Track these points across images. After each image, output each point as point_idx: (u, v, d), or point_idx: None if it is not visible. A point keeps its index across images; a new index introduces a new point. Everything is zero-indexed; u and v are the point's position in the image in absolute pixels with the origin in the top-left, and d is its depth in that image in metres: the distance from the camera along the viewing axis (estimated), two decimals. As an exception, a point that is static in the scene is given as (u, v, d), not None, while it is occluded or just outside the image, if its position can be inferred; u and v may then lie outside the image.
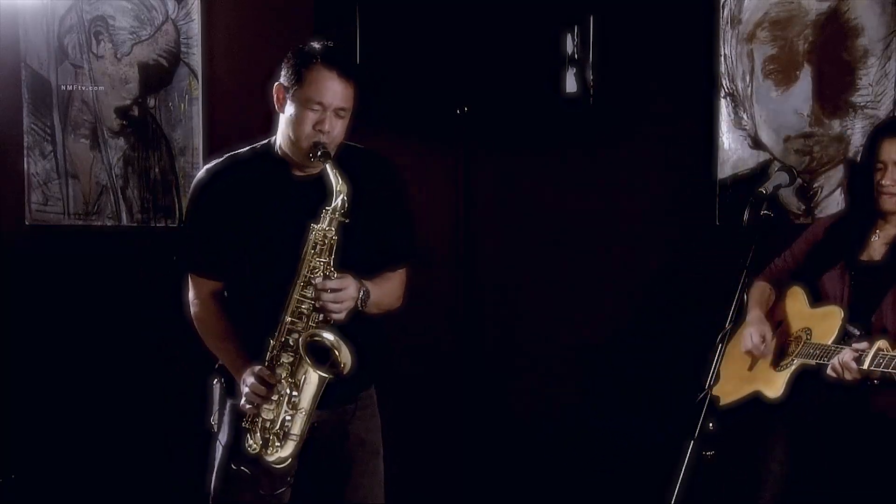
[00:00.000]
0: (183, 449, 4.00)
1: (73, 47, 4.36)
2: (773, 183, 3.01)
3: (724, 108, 3.96)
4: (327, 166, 2.72)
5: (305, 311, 2.75)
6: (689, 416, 2.63)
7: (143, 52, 4.33)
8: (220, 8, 4.28)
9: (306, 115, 2.73)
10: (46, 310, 4.44)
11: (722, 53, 3.95)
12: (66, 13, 4.35)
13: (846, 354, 2.93)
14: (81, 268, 4.42)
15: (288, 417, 2.74)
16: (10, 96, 4.41)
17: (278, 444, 2.77)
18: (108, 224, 4.41)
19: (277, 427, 2.75)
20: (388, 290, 2.93)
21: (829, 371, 2.97)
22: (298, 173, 2.85)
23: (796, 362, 3.15)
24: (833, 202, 3.92)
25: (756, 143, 3.96)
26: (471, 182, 4.11)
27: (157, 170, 4.36)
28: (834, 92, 3.90)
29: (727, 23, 3.94)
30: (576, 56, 3.82)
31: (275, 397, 2.74)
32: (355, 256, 2.80)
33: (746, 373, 3.33)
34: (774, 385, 3.16)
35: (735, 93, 3.96)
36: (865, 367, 2.86)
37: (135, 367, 4.37)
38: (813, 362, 3.08)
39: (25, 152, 4.42)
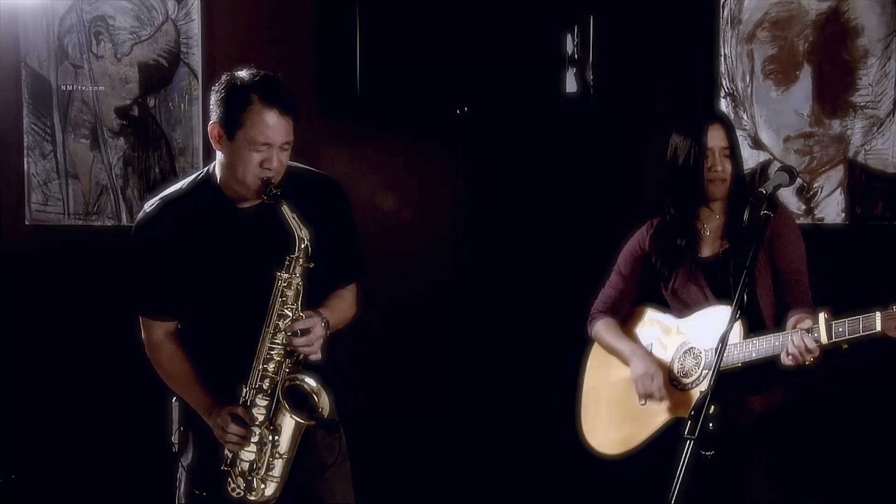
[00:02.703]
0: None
1: (73, 47, 4.35)
2: (773, 183, 2.99)
3: (724, 108, 3.96)
4: (285, 211, 2.70)
5: (277, 356, 2.75)
6: (689, 417, 2.62)
7: (143, 52, 4.33)
8: (220, 8, 4.28)
9: (252, 156, 2.70)
10: (46, 310, 4.43)
11: (722, 53, 3.95)
12: (66, 13, 4.35)
13: (797, 337, 2.91)
14: (81, 268, 4.41)
15: (271, 462, 2.76)
16: (10, 96, 4.40)
17: (263, 486, 2.78)
18: (108, 224, 4.41)
19: (263, 472, 2.76)
20: (343, 310, 2.94)
21: (786, 360, 2.93)
22: (242, 205, 2.83)
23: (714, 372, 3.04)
24: (833, 202, 3.93)
25: (756, 143, 3.96)
26: (471, 182, 4.11)
27: (157, 170, 4.36)
28: (834, 92, 3.90)
29: (727, 23, 3.95)
30: (576, 56, 3.82)
31: (255, 439, 2.75)
32: (308, 282, 2.78)
33: (639, 409, 3.27)
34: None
35: (735, 93, 3.96)
36: (825, 341, 2.85)
37: (135, 368, 4.36)
38: (738, 364, 3.02)
39: (25, 152, 4.42)
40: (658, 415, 3.21)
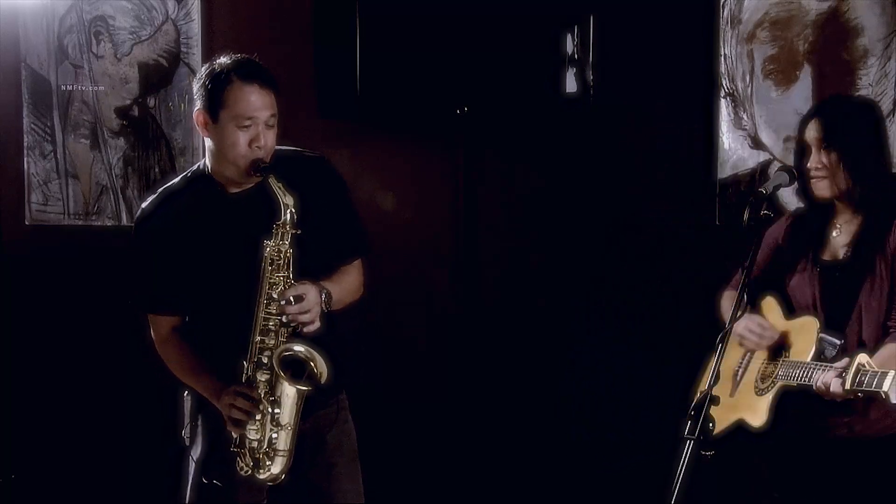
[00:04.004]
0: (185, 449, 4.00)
1: (73, 47, 4.35)
2: (773, 183, 2.93)
3: (724, 108, 3.96)
4: (270, 181, 2.72)
5: (273, 327, 2.75)
6: (689, 417, 2.62)
7: (143, 52, 4.33)
8: (220, 8, 4.29)
9: (239, 135, 2.72)
10: (46, 310, 4.43)
11: (722, 53, 3.95)
12: (66, 13, 4.35)
13: (828, 374, 2.72)
14: (81, 268, 4.41)
15: (274, 435, 2.75)
16: (10, 96, 4.41)
17: (269, 462, 2.77)
18: (108, 224, 4.41)
19: (266, 446, 2.76)
20: (346, 285, 2.93)
21: (814, 391, 2.76)
22: (234, 190, 2.85)
23: (777, 385, 2.91)
24: (833, 202, 3.92)
25: (756, 143, 3.96)
26: (471, 182, 4.11)
27: (157, 170, 4.36)
28: (834, 92, 3.89)
29: (727, 23, 3.94)
30: (576, 56, 3.82)
31: (258, 416, 2.75)
32: (309, 261, 2.79)
33: (728, 399, 3.08)
34: (758, 412, 2.92)
35: (735, 93, 3.96)
36: (848, 387, 2.64)
37: (135, 368, 4.36)
38: (794, 384, 2.85)
39: (25, 152, 4.42)
40: (734, 412, 3.04)
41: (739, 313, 2.75)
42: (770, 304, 3.14)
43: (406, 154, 4.23)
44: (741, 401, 3.08)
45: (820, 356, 2.85)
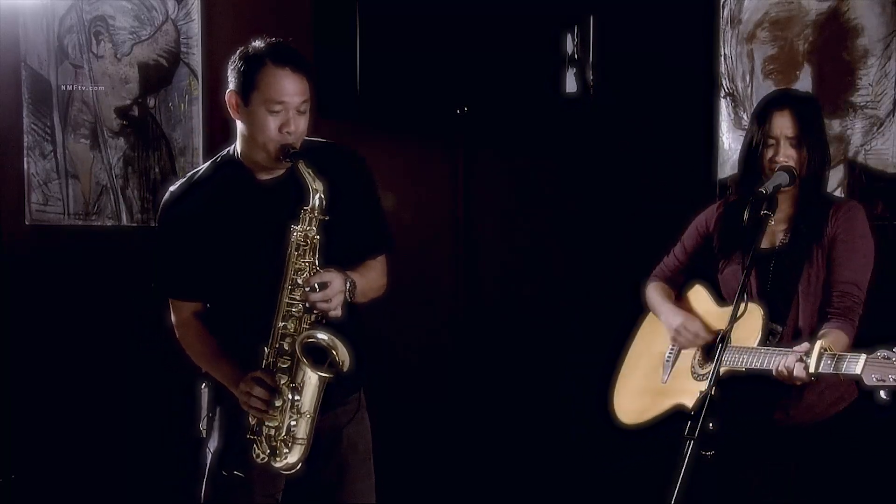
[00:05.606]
0: (185, 448, 3.99)
1: (73, 47, 4.36)
2: (773, 183, 2.94)
3: (724, 108, 3.96)
4: (300, 166, 2.70)
5: (296, 313, 2.73)
6: (689, 416, 2.63)
7: (143, 52, 4.33)
8: (220, 8, 4.29)
9: (268, 118, 2.71)
10: (46, 310, 4.44)
11: (722, 53, 3.95)
12: (66, 13, 4.35)
13: (789, 359, 2.76)
14: (81, 268, 4.42)
15: (293, 422, 2.73)
16: (10, 96, 4.41)
17: (286, 450, 2.75)
18: (108, 224, 4.41)
19: (284, 433, 2.73)
20: (372, 279, 2.92)
21: (775, 375, 2.81)
22: (264, 177, 2.83)
23: (721, 370, 2.91)
24: (833, 202, 3.92)
25: (756, 143, 3.96)
26: (471, 182, 4.11)
27: (157, 170, 4.36)
28: (834, 92, 3.89)
29: (727, 23, 3.95)
30: (576, 56, 3.82)
31: (278, 403, 2.71)
32: (335, 252, 2.78)
33: (660, 386, 3.19)
34: (697, 397, 2.93)
35: (735, 93, 3.96)
36: (812, 370, 2.69)
37: (135, 368, 4.37)
38: (742, 368, 2.89)
39: (25, 152, 4.42)
40: (668, 397, 3.13)
41: (740, 312, 2.75)
42: (699, 292, 3.24)
43: (406, 154, 4.23)
44: (677, 386, 3.15)
45: (766, 342, 2.93)
